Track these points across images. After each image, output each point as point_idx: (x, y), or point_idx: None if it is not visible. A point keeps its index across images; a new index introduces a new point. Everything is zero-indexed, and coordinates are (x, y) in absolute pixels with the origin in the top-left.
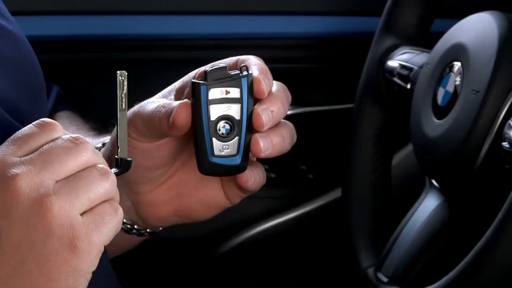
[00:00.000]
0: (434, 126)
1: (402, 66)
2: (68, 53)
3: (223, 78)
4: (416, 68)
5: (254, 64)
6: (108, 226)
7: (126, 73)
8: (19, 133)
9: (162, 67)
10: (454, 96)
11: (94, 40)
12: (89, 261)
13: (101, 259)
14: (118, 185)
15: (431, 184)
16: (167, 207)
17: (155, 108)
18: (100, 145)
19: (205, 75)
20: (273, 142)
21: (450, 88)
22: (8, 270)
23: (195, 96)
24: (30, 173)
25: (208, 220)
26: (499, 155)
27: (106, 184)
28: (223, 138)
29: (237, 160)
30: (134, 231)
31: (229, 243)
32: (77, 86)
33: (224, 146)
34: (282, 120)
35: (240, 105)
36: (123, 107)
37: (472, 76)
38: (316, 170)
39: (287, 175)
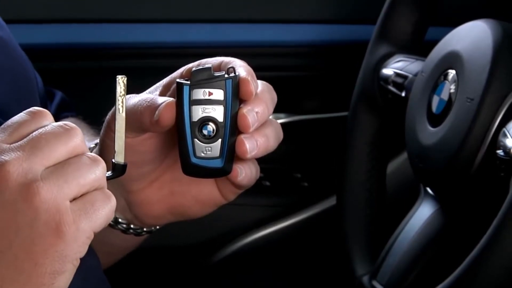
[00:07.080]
0: (429, 134)
1: (397, 74)
2: (61, 61)
3: (207, 79)
4: (410, 76)
5: (240, 66)
6: (99, 212)
7: (126, 78)
8: (10, 121)
9: (156, 75)
10: (448, 104)
11: (87, 48)
12: (76, 246)
13: (93, 267)
14: (111, 184)
15: (426, 192)
16: (161, 205)
17: (137, 102)
18: (93, 145)
19: (190, 75)
20: (258, 142)
21: (444, 96)
22: None
23: (178, 96)
24: (18, 159)
25: (202, 228)
26: (494, 163)
27: (97, 171)
28: (205, 139)
29: (220, 163)
30: (131, 230)
31: (224, 251)
32: (71, 94)
33: (207, 148)
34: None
35: (223, 107)
36: (121, 111)
37: (466, 84)
38: (311, 178)
39: (282, 183)
